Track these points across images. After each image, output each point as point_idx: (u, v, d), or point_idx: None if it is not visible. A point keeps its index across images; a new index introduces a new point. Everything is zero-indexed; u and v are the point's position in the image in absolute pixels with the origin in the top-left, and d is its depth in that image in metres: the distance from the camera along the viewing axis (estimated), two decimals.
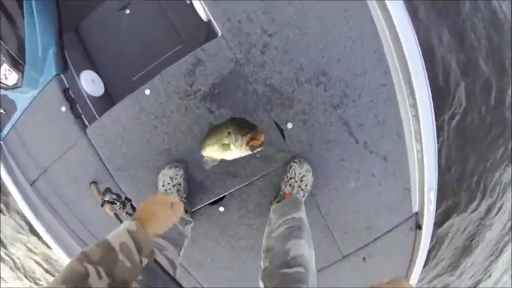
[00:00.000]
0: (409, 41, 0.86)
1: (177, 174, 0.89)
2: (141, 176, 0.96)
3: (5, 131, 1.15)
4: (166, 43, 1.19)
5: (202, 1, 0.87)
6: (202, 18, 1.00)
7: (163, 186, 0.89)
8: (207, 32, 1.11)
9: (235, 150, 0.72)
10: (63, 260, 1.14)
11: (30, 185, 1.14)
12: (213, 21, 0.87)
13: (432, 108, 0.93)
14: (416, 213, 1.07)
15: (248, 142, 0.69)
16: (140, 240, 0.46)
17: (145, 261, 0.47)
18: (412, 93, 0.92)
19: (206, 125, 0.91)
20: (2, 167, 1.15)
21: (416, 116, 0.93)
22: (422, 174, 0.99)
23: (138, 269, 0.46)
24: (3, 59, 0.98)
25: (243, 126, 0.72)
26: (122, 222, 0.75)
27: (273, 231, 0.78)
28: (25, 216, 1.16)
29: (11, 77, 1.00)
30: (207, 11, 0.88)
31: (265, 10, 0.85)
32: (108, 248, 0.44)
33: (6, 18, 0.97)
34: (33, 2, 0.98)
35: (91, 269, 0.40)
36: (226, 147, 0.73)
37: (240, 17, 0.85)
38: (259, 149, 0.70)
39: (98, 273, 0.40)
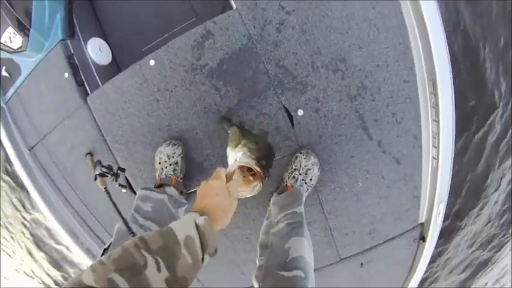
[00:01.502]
0: (437, 38, 0.78)
1: (174, 153, 0.84)
2: (138, 150, 0.92)
3: (8, 95, 1.14)
4: (179, 15, 1.13)
5: None
6: None
7: (159, 163, 0.85)
8: (222, 6, 1.06)
9: (231, 153, 0.63)
10: (57, 229, 1.13)
11: (29, 151, 1.13)
12: None
13: (454, 114, 0.85)
14: (422, 224, 1.00)
15: (244, 171, 0.58)
16: (207, 237, 0.42)
17: (207, 259, 0.43)
18: (435, 95, 0.84)
19: (210, 102, 0.85)
20: (2, 131, 1.14)
21: (436, 121, 0.86)
22: (435, 184, 0.92)
23: (198, 267, 0.41)
24: (9, 21, 0.95)
25: (261, 152, 0.60)
26: (111, 199, 0.71)
27: (272, 226, 0.72)
28: None
29: (16, 40, 0.98)
30: None
31: None
32: (173, 239, 0.39)
33: None
34: None
35: (150, 259, 0.36)
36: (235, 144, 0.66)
37: None
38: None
39: (158, 264, 0.36)
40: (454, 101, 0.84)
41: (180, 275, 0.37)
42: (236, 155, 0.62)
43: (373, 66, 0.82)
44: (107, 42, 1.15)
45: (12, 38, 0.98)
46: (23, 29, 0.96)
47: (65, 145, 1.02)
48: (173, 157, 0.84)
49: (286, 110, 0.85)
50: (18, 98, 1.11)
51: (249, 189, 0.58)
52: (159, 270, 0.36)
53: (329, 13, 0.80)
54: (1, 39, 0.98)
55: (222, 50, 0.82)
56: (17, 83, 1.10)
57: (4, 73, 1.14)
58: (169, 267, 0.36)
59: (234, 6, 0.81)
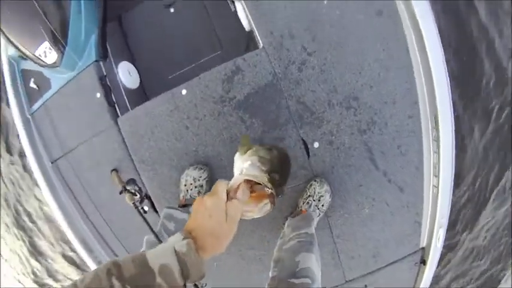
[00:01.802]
0: (440, 77, 0.88)
1: (200, 176, 0.91)
2: (164, 171, 0.98)
3: (35, 107, 1.18)
4: (205, 47, 1.22)
5: (247, 11, 0.90)
6: (245, 27, 1.03)
7: (185, 185, 0.90)
8: (246, 41, 1.15)
9: (238, 161, 0.52)
10: (73, 241, 1.15)
11: (52, 163, 1.17)
12: (256, 33, 0.90)
13: (454, 146, 0.94)
14: (423, 248, 1.07)
15: (252, 186, 0.46)
16: (190, 265, 0.37)
17: (190, 285, 0.40)
18: (436, 129, 0.93)
19: (236, 132, 0.92)
20: (27, 140, 1.18)
21: (437, 152, 0.95)
22: (435, 210, 0.99)
23: None
24: (46, 36, 1.01)
25: (275, 163, 0.49)
26: (139, 212, 0.76)
27: (284, 244, 0.80)
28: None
29: (51, 55, 1.04)
30: (251, 22, 0.91)
31: (308, 28, 0.88)
32: (145, 268, 0.36)
33: None
34: None
35: (118, 286, 0.34)
36: (244, 150, 0.56)
37: (283, 32, 0.88)
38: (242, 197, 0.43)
39: None
40: (454, 135, 0.93)
41: None
42: (243, 165, 0.49)
43: (381, 104, 0.91)
44: (135, 67, 1.22)
45: (48, 52, 1.03)
46: (58, 45, 1.01)
47: (90, 161, 1.07)
48: (199, 180, 0.90)
49: (304, 142, 0.93)
50: (46, 111, 1.15)
51: (258, 209, 0.44)
52: None
53: (345, 54, 0.89)
54: (36, 52, 1.04)
55: (250, 85, 0.90)
56: (46, 96, 1.15)
57: (32, 85, 1.19)
58: None
59: (261, 44, 0.90)
